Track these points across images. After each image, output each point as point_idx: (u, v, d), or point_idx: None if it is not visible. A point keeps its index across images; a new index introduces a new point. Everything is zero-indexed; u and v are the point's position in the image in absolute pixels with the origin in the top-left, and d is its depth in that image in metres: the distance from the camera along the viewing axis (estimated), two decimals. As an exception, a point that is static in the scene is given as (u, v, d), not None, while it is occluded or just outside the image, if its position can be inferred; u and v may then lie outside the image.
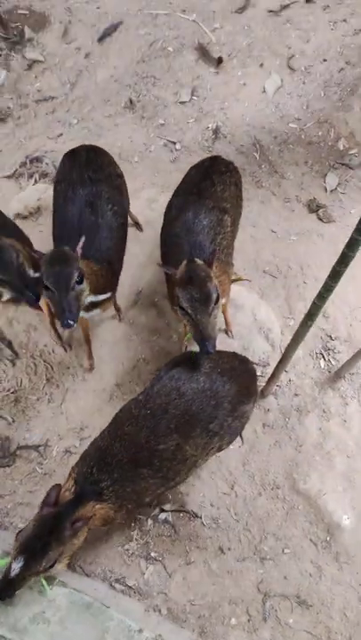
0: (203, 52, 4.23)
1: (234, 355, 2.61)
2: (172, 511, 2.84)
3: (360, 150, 3.84)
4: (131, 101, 4.10)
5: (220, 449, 2.50)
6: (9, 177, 3.84)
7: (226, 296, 2.83)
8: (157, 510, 2.84)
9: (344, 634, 2.61)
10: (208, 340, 2.23)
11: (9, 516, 2.85)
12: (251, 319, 3.23)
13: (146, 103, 4.09)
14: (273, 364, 2.83)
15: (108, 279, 2.72)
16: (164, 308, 3.29)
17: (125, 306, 3.32)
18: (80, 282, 2.33)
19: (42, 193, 3.66)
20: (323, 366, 3.17)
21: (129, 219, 3.14)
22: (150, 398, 2.32)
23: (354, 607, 2.65)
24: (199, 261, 2.39)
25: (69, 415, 3.09)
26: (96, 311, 2.75)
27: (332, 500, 2.84)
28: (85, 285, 2.38)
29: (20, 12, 4.55)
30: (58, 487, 2.19)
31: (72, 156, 2.91)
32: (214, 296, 2.29)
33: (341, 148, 3.85)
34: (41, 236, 3.26)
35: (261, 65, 4.16)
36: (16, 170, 3.85)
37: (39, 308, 2.51)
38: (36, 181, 3.80)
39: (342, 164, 3.80)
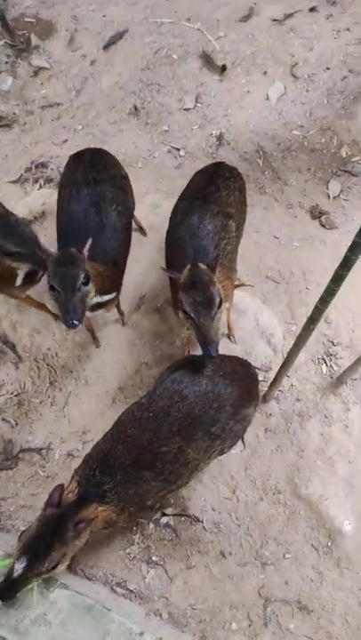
0: (207, 59, 4.28)
1: (236, 358, 2.62)
2: (173, 515, 2.84)
3: (363, 157, 3.87)
4: (135, 108, 4.13)
5: (221, 452, 2.50)
6: (14, 182, 3.87)
7: (229, 301, 2.84)
8: (159, 514, 2.84)
9: (345, 639, 2.61)
10: (211, 344, 2.24)
11: (11, 519, 2.86)
12: (253, 324, 3.25)
13: (150, 110, 4.13)
14: (275, 369, 2.84)
15: (113, 280, 2.74)
16: (167, 312, 3.30)
17: (129, 310, 3.34)
18: (86, 283, 2.35)
19: (46, 198, 3.70)
20: (325, 372, 3.18)
21: (133, 223, 3.16)
22: (153, 401, 2.33)
23: (355, 613, 2.65)
24: (202, 266, 2.40)
25: (72, 418, 3.10)
26: (100, 311, 2.77)
27: (334, 506, 2.84)
28: (91, 287, 2.40)
29: (26, 19, 4.61)
30: (60, 488, 2.19)
31: (77, 157, 2.94)
32: (217, 300, 2.30)
33: (344, 155, 3.88)
34: (45, 240, 3.26)
35: (265, 73, 4.20)
36: (21, 175, 3.89)
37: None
38: (40, 186, 3.84)
39: (345, 172, 3.82)
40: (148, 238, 3.55)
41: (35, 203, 3.69)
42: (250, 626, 2.63)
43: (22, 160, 3.97)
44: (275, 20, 4.43)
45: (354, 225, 3.60)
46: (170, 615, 2.64)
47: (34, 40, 4.48)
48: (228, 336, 3.19)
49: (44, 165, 3.92)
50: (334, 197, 3.74)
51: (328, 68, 4.20)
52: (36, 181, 3.86)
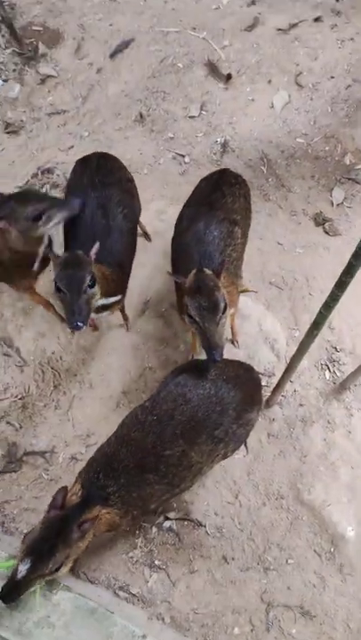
0: (212, 68, 4.32)
1: (239, 363, 2.64)
2: (176, 519, 2.85)
3: (366, 165, 3.90)
4: (141, 115, 4.18)
5: (224, 456, 2.51)
6: (21, 187, 3.91)
7: (234, 307, 2.86)
8: (162, 518, 2.85)
9: (347, 645, 2.61)
10: (215, 349, 2.26)
11: (15, 522, 2.87)
12: (257, 329, 3.27)
13: (156, 117, 4.17)
14: (278, 375, 2.85)
15: (118, 283, 2.76)
16: (172, 317, 3.33)
17: (133, 315, 3.36)
18: (92, 286, 2.38)
19: (53, 203, 3.73)
20: (328, 377, 3.19)
21: (138, 228, 3.19)
22: (157, 404, 2.35)
23: (357, 618, 2.65)
24: (208, 271, 2.42)
25: (76, 422, 3.12)
26: (105, 313, 2.80)
27: (337, 511, 2.84)
28: (97, 289, 2.43)
29: (34, 28, 4.67)
30: (64, 490, 2.20)
31: (84, 162, 2.97)
32: (222, 305, 2.32)
33: (348, 162, 3.91)
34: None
35: (270, 81, 4.24)
36: (28, 181, 3.93)
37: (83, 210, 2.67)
38: (47, 192, 3.87)
39: (349, 179, 3.85)
40: (152, 244, 3.58)
41: (41, 208, 3.72)
42: (252, 631, 2.63)
43: (29, 166, 4.02)
44: (279, 29, 4.48)
45: (357, 232, 3.63)
46: (172, 619, 2.64)
47: (41, 48, 4.54)
48: (232, 341, 3.21)
49: (50, 171, 3.97)
50: (338, 205, 3.77)
51: (332, 77, 4.24)
52: (42, 187, 3.90)
